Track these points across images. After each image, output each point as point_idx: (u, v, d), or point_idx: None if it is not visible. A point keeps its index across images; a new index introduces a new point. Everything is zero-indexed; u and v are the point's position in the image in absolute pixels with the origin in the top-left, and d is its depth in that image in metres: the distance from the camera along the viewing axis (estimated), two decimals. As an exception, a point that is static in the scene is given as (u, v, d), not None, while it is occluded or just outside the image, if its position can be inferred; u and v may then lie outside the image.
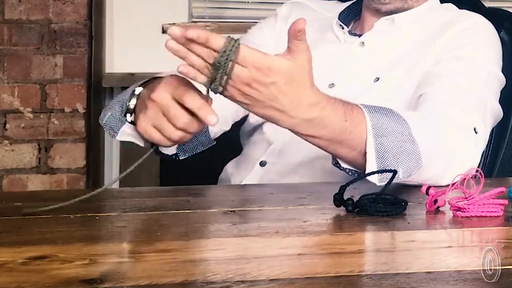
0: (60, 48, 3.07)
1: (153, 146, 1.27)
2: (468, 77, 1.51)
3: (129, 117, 1.33)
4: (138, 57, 3.20)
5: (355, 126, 1.25)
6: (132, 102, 1.33)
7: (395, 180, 1.24)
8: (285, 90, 1.16)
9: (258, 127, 1.68)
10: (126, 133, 1.37)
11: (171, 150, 1.44)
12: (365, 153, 1.26)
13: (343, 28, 1.70)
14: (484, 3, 1.88)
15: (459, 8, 1.71)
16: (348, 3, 1.78)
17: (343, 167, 1.30)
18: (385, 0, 1.64)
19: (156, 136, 1.25)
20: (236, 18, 3.42)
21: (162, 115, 1.22)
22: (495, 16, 1.76)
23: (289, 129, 1.22)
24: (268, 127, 1.65)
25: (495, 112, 1.54)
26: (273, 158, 1.61)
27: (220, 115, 1.26)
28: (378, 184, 1.24)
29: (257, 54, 1.15)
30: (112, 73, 3.18)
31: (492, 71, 1.55)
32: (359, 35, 1.68)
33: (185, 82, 1.21)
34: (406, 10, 1.66)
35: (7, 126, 3.05)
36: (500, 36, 1.68)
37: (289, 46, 1.16)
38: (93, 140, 3.16)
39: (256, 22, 1.81)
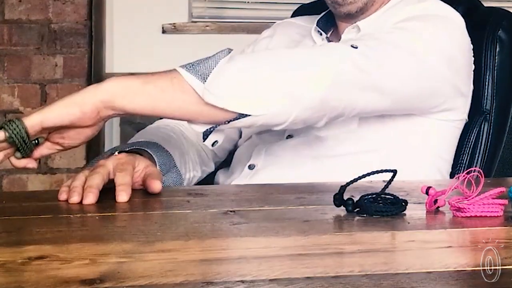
0: (60, 48, 3.07)
1: None
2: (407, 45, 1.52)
3: None
4: (138, 57, 3.20)
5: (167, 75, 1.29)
6: None
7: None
8: None
9: (247, 139, 1.70)
10: None
11: None
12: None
13: (321, 34, 1.71)
14: (482, 3, 1.88)
15: (457, 8, 1.71)
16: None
17: (202, 132, 1.33)
18: (349, 0, 1.63)
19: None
20: (236, 18, 3.42)
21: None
22: (494, 15, 1.76)
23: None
24: (256, 135, 1.67)
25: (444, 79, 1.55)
26: (261, 161, 1.62)
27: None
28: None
29: None
30: (112, 73, 3.18)
31: (439, 49, 1.55)
32: None
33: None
34: (373, 4, 1.66)
35: (7, 126, 3.05)
36: (498, 35, 1.68)
37: None
38: (93, 140, 3.15)
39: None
